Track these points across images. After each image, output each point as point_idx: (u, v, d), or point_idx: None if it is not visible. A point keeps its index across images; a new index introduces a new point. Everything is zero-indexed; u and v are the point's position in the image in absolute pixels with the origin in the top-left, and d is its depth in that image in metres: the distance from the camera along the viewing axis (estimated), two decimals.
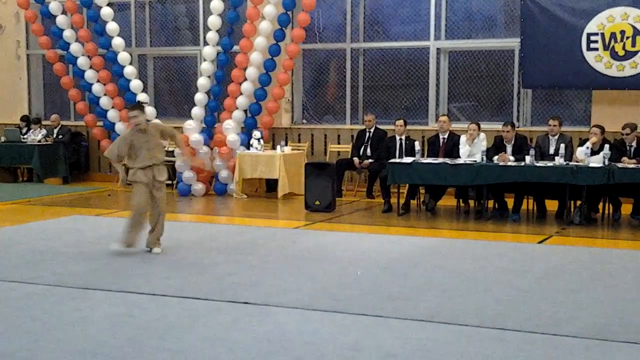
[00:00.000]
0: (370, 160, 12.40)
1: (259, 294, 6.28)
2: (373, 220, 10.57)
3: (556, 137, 10.62)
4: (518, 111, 12.88)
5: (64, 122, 15.16)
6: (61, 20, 14.40)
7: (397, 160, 11.10)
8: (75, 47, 14.36)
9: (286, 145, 12.89)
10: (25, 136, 14.76)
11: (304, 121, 14.25)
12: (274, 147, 13.21)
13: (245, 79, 13.24)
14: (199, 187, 13.10)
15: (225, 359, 4.72)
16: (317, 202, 11.21)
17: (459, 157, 10.86)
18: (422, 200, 11.35)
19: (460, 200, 11.20)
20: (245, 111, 13.35)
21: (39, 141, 14.47)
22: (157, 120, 8.51)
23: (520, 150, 10.59)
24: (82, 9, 14.56)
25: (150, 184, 7.95)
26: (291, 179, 12.44)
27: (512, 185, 10.29)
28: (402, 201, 11.03)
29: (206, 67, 13.50)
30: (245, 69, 13.24)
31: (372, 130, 12.64)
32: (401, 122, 11.87)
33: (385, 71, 13.88)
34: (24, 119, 15.34)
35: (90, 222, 10.27)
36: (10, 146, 14.59)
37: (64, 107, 15.59)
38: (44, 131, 14.71)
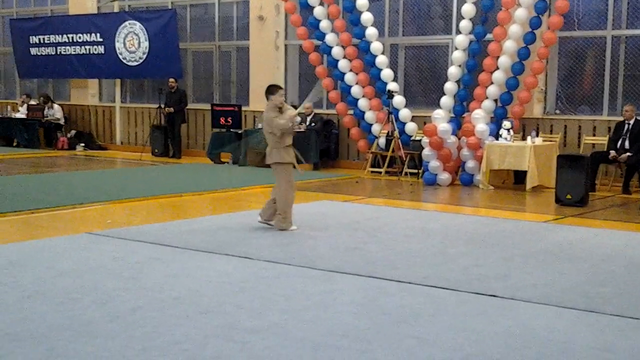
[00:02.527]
0: (628, 154, 11.70)
1: (507, 287, 6.13)
2: (629, 217, 9.97)
3: None
4: None
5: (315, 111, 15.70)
6: (318, 11, 14.94)
7: None
8: (330, 37, 14.83)
9: (537, 136, 12.48)
10: None
11: (557, 111, 13.70)
12: (524, 138, 12.85)
13: (497, 68, 13.00)
14: (444, 176, 13.04)
15: (470, 350, 4.65)
16: (569, 196, 10.76)
17: None
18: None
19: None
20: (495, 100, 13.12)
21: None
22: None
23: None
24: (339, 0, 14.97)
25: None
26: (541, 171, 12.05)
27: None
28: None
29: (458, 55, 13.41)
30: (497, 57, 13.00)
31: (631, 122, 11.93)
32: None
33: None
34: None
35: (338, 208, 10.57)
36: None
37: None
38: (298, 119, 15.25)
